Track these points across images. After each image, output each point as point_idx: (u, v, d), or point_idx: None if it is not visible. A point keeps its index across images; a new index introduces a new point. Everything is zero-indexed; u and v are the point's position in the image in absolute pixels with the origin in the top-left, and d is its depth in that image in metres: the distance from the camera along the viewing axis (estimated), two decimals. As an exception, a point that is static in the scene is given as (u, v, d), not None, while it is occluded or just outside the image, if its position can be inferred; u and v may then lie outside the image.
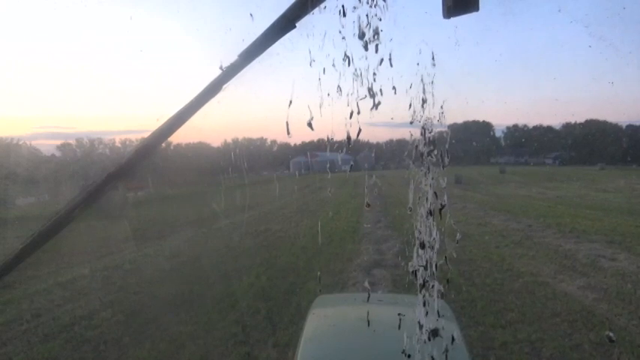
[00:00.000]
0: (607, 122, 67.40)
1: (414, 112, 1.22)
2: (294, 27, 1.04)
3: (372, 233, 11.49)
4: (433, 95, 1.20)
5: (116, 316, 6.00)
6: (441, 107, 1.22)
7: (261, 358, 4.65)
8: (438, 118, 1.23)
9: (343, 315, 2.74)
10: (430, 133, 1.24)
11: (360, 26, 1.11)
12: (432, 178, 1.25)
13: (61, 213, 1.16)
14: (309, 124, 1.18)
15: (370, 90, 1.16)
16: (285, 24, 1.03)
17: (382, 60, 1.16)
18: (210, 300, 6.43)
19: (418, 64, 1.19)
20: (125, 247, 10.48)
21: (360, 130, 1.19)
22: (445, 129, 1.27)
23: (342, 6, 1.08)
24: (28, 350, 5.08)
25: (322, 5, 1.04)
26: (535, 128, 79.21)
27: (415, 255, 1.27)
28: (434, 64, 1.19)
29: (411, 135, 1.26)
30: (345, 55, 1.13)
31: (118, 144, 58.84)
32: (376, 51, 1.14)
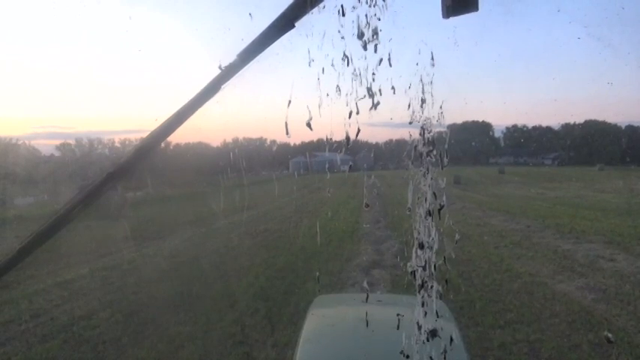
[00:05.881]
0: (606, 123, 67.67)
1: (413, 112, 1.22)
2: (294, 27, 1.04)
3: (371, 233, 11.50)
4: (432, 95, 1.20)
5: (115, 316, 5.99)
6: (440, 107, 1.22)
7: (260, 358, 4.65)
8: (437, 119, 1.23)
9: (342, 315, 2.74)
10: (429, 133, 1.24)
11: (359, 26, 1.11)
12: (431, 179, 1.25)
13: (60, 213, 1.16)
14: (308, 124, 1.18)
15: (369, 90, 1.16)
16: (284, 24, 1.03)
17: (381, 60, 1.15)
18: (209, 300, 6.43)
19: (417, 64, 1.19)
20: (124, 247, 10.47)
21: (359, 131, 1.19)
22: (444, 129, 1.27)
23: (342, 6, 1.08)
24: (27, 350, 5.07)
25: (321, 5, 1.04)
26: (534, 128, 79.52)
27: (414, 255, 1.26)
28: (433, 64, 1.19)
29: (410, 135, 1.26)
30: (344, 55, 1.13)
31: (117, 144, 58.87)
32: (375, 51, 1.13)
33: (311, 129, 1.17)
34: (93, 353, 4.98)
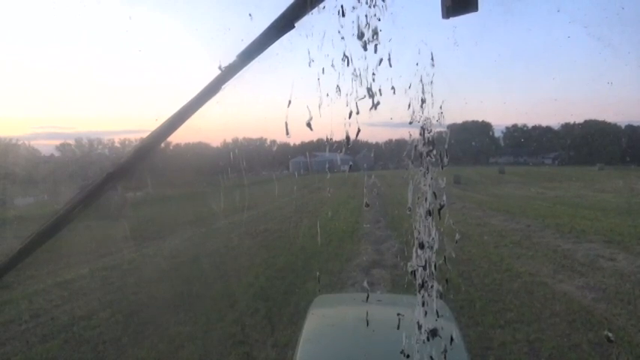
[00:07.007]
0: (606, 122, 67.58)
1: (413, 112, 1.22)
2: (293, 27, 1.04)
3: (371, 233, 11.50)
4: (432, 95, 1.20)
5: (115, 316, 6.00)
6: (440, 107, 1.22)
7: (260, 358, 4.65)
8: (437, 118, 1.23)
9: (342, 315, 2.74)
10: (429, 133, 1.24)
11: (359, 26, 1.11)
12: (431, 179, 1.25)
13: (60, 213, 1.16)
14: (308, 125, 1.18)
15: (369, 90, 1.16)
16: (284, 24, 1.03)
17: (381, 60, 1.15)
18: (209, 300, 6.43)
19: (417, 64, 1.19)
20: (124, 247, 10.47)
21: (359, 131, 1.19)
22: (444, 129, 1.27)
23: (341, 6, 1.08)
24: (27, 350, 5.07)
25: (321, 5, 1.04)
26: (534, 128, 79.55)
27: (414, 255, 1.26)
28: (433, 64, 1.19)
29: (410, 135, 1.26)
30: (344, 55, 1.13)
31: (117, 144, 58.79)
32: (375, 51, 1.13)
33: (311, 129, 1.17)
34: (93, 353, 4.98)
